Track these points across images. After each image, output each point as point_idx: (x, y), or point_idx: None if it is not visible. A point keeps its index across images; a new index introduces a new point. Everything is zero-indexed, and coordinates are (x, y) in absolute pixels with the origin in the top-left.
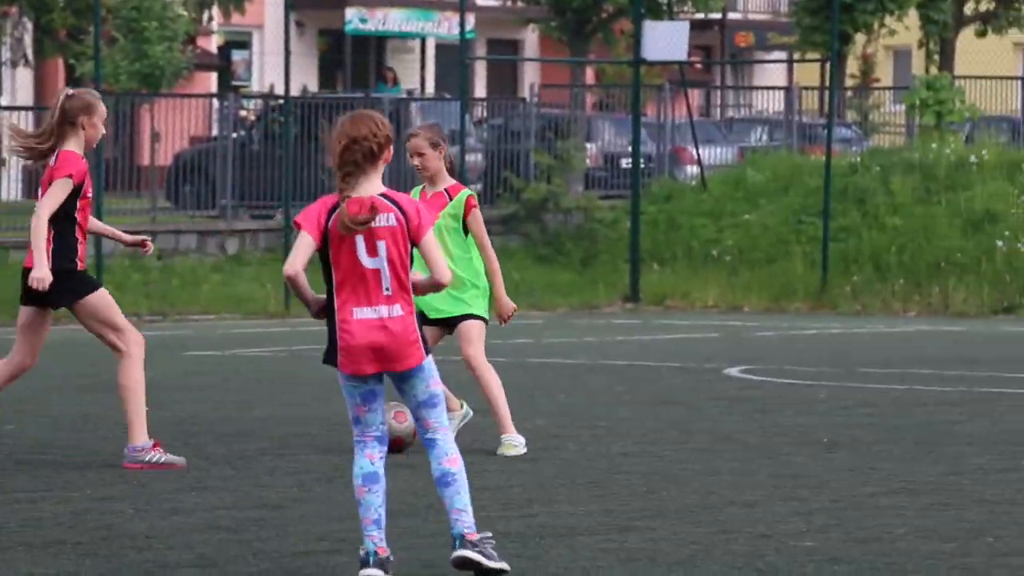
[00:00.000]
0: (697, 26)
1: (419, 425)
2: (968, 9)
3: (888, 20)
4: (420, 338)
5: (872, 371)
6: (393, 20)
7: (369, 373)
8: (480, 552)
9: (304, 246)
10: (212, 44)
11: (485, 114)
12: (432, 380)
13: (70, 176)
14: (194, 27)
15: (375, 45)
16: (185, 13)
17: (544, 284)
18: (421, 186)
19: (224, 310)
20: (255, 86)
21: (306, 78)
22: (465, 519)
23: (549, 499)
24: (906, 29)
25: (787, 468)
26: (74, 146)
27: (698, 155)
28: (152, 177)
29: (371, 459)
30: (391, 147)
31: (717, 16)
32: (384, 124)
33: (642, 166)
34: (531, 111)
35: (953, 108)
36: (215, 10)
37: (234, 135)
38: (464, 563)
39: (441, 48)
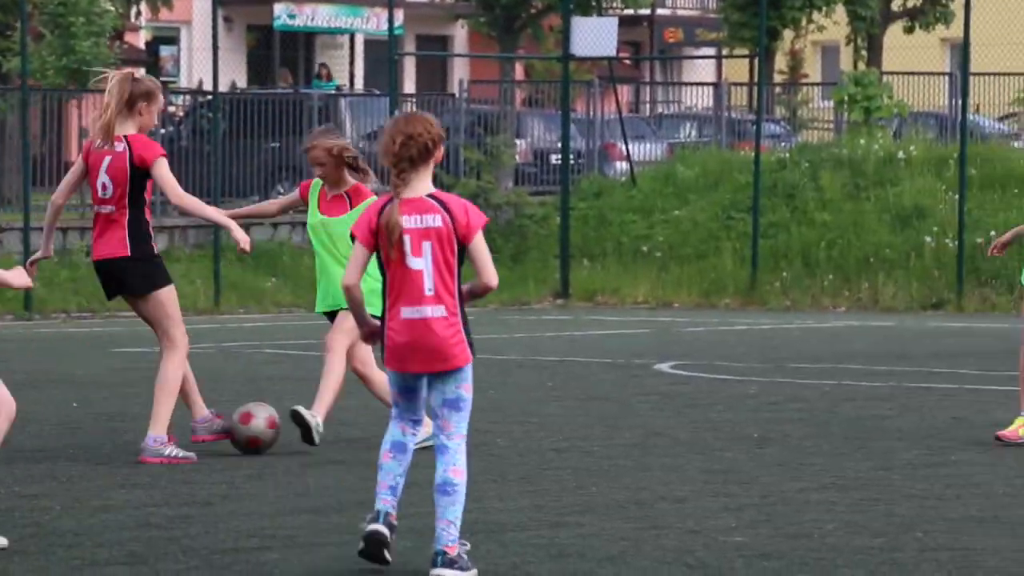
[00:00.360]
0: (626, 22)
1: (437, 425)
2: (895, 5)
3: (816, 16)
4: (465, 340)
5: (802, 367)
6: (321, 16)
7: (414, 372)
8: (459, 568)
9: (357, 256)
10: (140, 40)
11: (414, 110)
12: (465, 384)
13: (164, 155)
14: (121, 22)
15: (304, 41)
16: (112, 8)
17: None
18: (321, 183)
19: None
20: (183, 82)
21: (235, 74)
22: (451, 532)
23: (479, 495)
24: (834, 24)
25: (717, 464)
26: (133, 130)
27: (627, 151)
28: None
29: (403, 431)
30: (442, 146)
31: (646, 12)
32: (435, 123)
33: (572, 162)
34: (460, 107)
35: (881, 104)
36: (143, 5)
37: (163, 131)
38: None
39: (370, 44)
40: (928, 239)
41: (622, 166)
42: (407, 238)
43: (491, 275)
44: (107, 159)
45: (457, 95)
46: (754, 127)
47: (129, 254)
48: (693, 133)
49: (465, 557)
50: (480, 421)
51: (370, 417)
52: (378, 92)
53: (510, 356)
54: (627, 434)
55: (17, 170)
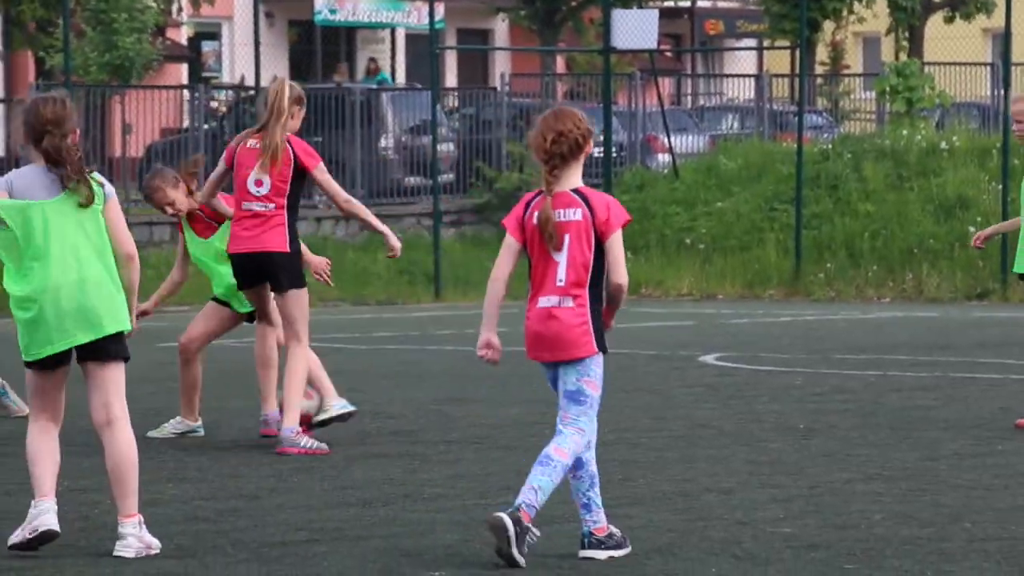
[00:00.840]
0: (667, 14)
1: (559, 414)
2: None
3: (857, 7)
4: (592, 333)
5: (847, 357)
6: (363, 10)
7: (543, 361)
8: (606, 547)
9: (506, 248)
10: (182, 35)
11: (456, 104)
12: (586, 378)
13: (322, 160)
14: (163, 18)
15: (345, 36)
16: (154, 4)
17: (518, 273)
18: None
19: (199, 301)
20: (225, 77)
21: (277, 69)
22: (529, 497)
23: None
24: (874, 17)
25: (763, 455)
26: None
27: (670, 143)
28: (124, 169)
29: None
30: (592, 141)
31: (687, 4)
32: (584, 119)
33: (614, 155)
34: (502, 100)
35: (923, 95)
36: (184, 1)
37: (206, 126)
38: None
39: (411, 38)
40: (972, 229)
41: (664, 158)
42: (555, 232)
43: (620, 274)
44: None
45: (499, 89)
46: (796, 118)
47: (288, 251)
48: (735, 125)
49: (615, 532)
50: (526, 413)
51: (416, 410)
52: (420, 86)
53: None
54: (672, 426)
55: None
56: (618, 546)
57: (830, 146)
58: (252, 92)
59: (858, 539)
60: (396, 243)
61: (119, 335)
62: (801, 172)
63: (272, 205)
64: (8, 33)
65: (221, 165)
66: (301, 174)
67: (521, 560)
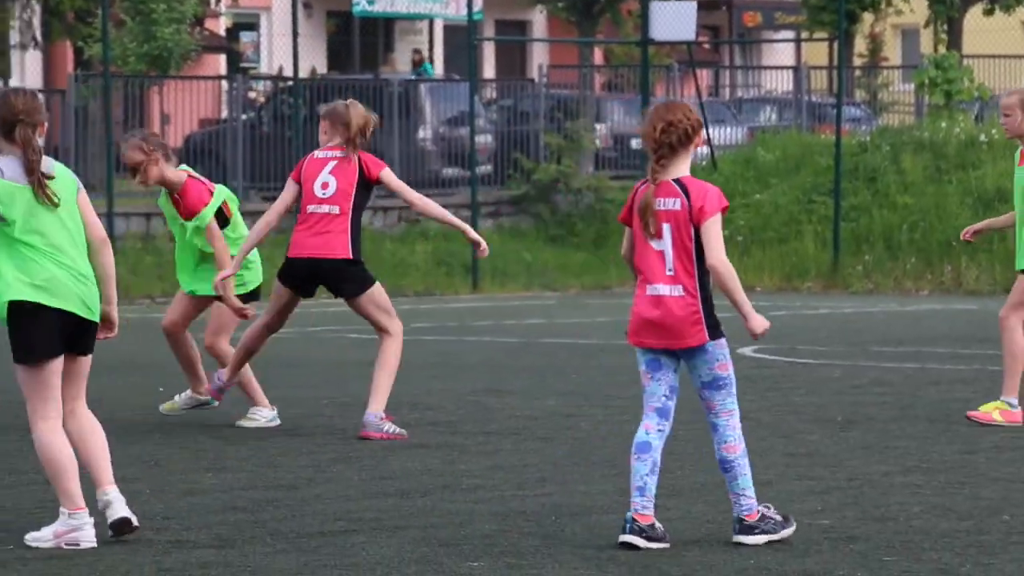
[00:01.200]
0: (705, 6)
1: (703, 406)
2: None
3: None
4: (705, 320)
5: (885, 350)
6: (401, 1)
7: (648, 347)
8: (760, 532)
9: (626, 235)
10: (220, 26)
11: (494, 95)
12: (718, 363)
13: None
14: (202, 9)
15: (383, 27)
16: None
17: (556, 264)
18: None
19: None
20: (263, 68)
21: (315, 60)
22: (743, 502)
23: (564, 478)
24: (911, 12)
25: (802, 447)
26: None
27: (708, 135)
28: None
29: (647, 429)
30: (702, 132)
31: None
32: (693, 110)
33: None
34: (540, 92)
35: (962, 87)
36: None
37: (244, 117)
38: (742, 545)
39: (449, 29)
40: None
41: (703, 150)
42: (651, 220)
43: (714, 255)
44: (332, 163)
45: (536, 80)
46: (834, 110)
47: (350, 257)
48: (773, 117)
49: (773, 517)
50: (562, 405)
51: (454, 401)
52: (457, 77)
53: (592, 340)
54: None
55: (100, 156)
56: (774, 530)
57: (868, 138)
58: (290, 83)
59: (896, 531)
60: (476, 236)
61: (96, 327)
62: (840, 164)
63: (337, 208)
64: (47, 23)
65: (291, 185)
66: (367, 182)
67: (788, 530)
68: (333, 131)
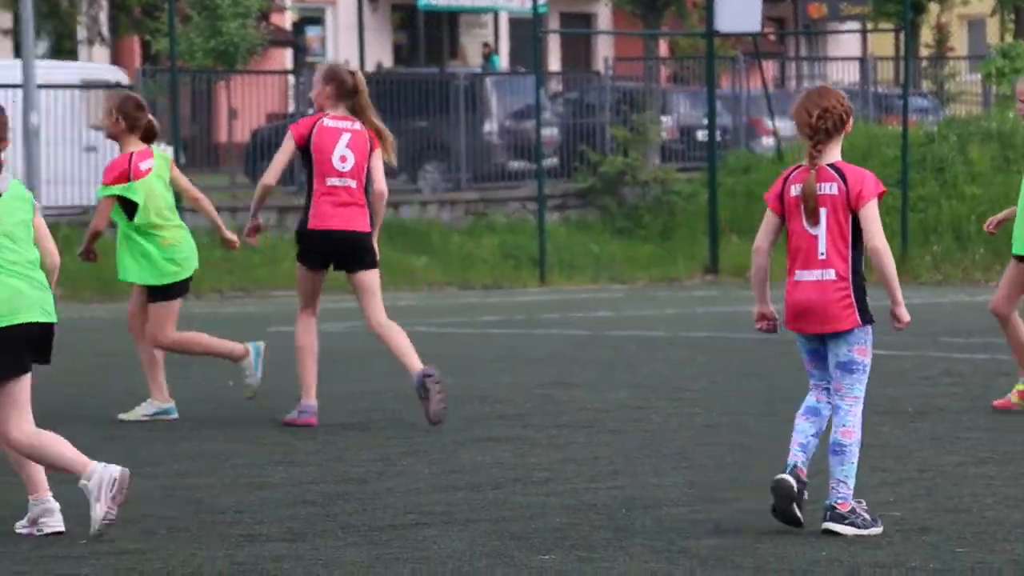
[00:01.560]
0: None
1: (832, 387)
2: None
3: None
4: (855, 304)
5: (955, 341)
6: None
7: (806, 333)
8: (850, 524)
9: (766, 221)
10: (286, 20)
11: (560, 88)
12: (858, 347)
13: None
14: (268, 3)
15: (448, 20)
16: None
17: (624, 257)
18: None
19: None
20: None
21: (380, 54)
22: (841, 490)
23: (635, 471)
24: (978, 1)
25: (873, 438)
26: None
27: (774, 126)
28: (230, 154)
29: (818, 399)
30: (851, 119)
31: None
32: (845, 97)
33: (718, 138)
34: (606, 84)
35: None
36: None
37: (310, 111)
38: (830, 533)
39: (514, 23)
40: None
41: (768, 141)
42: (806, 206)
43: (873, 238)
44: (346, 135)
45: (602, 73)
46: (901, 101)
47: (369, 230)
48: None
49: (863, 514)
50: (632, 398)
51: (523, 394)
52: (523, 70)
53: (660, 332)
54: (781, 409)
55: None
56: (864, 525)
57: (936, 129)
58: None
59: (969, 523)
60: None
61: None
62: (907, 155)
63: (355, 182)
64: (114, 19)
65: (289, 144)
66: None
67: (875, 528)
68: (337, 99)
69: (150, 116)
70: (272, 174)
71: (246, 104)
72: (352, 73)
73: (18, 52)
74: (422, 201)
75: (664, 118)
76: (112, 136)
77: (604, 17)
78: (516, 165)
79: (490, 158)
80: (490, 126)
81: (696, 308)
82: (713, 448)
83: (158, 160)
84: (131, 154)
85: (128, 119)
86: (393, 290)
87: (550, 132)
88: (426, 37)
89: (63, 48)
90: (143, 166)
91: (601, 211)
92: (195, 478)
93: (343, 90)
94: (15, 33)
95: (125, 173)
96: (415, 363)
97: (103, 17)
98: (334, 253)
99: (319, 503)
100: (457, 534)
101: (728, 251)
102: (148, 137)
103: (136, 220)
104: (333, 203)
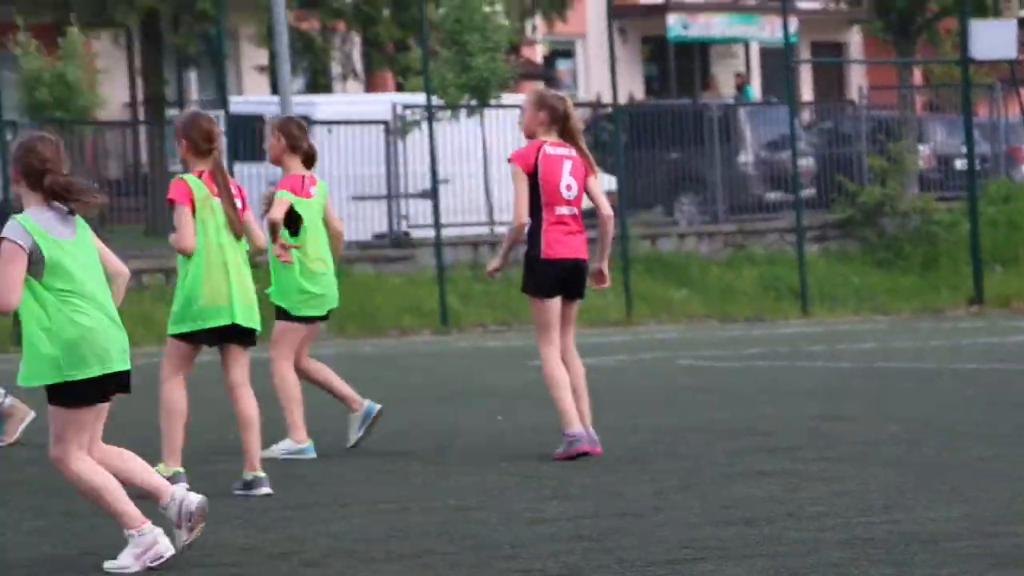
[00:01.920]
0: None
1: None
2: None
3: None
4: None
5: None
6: (716, 25)
7: None
8: None
9: None
10: (537, 54)
11: (814, 117)
12: None
13: None
14: (518, 37)
15: (698, 51)
16: (507, 23)
17: (885, 288)
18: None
19: None
20: (581, 94)
21: (631, 86)
22: None
23: (909, 505)
24: None
25: None
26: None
27: None
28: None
29: None
30: None
31: None
32: None
33: (977, 167)
34: (860, 113)
35: None
36: (538, 19)
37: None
38: None
39: (765, 53)
40: None
41: None
42: None
43: None
44: (568, 162)
45: (857, 102)
46: None
47: (587, 257)
48: None
49: None
50: (903, 431)
51: (791, 427)
52: (776, 100)
53: (928, 364)
54: None
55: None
56: None
57: None
58: (609, 109)
59: None
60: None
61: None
62: None
63: (577, 210)
64: (367, 54)
65: (522, 175)
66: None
67: None
68: (550, 125)
69: (310, 141)
70: (525, 211)
71: (500, 137)
72: (562, 98)
73: (275, 88)
74: (680, 233)
75: (921, 147)
76: (275, 160)
77: (855, 45)
78: (773, 196)
79: (746, 189)
80: (745, 157)
81: (962, 340)
82: (988, 481)
83: (320, 186)
84: (303, 176)
85: (290, 138)
86: (653, 323)
87: (806, 162)
88: (677, 68)
89: (318, 83)
90: (312, 190)
91: (861, 242)
92: (471, 512)
93: (556, 115)
94: (271, 69)
95: (298, 189)
96: (583, 414)
97: (356, 53)
98: (567, 281)
99: (594, 538)
100: (733, 569)
101: (992, 281)
102: (308, 162)
103: (297, 239)
104: (563, 232)
